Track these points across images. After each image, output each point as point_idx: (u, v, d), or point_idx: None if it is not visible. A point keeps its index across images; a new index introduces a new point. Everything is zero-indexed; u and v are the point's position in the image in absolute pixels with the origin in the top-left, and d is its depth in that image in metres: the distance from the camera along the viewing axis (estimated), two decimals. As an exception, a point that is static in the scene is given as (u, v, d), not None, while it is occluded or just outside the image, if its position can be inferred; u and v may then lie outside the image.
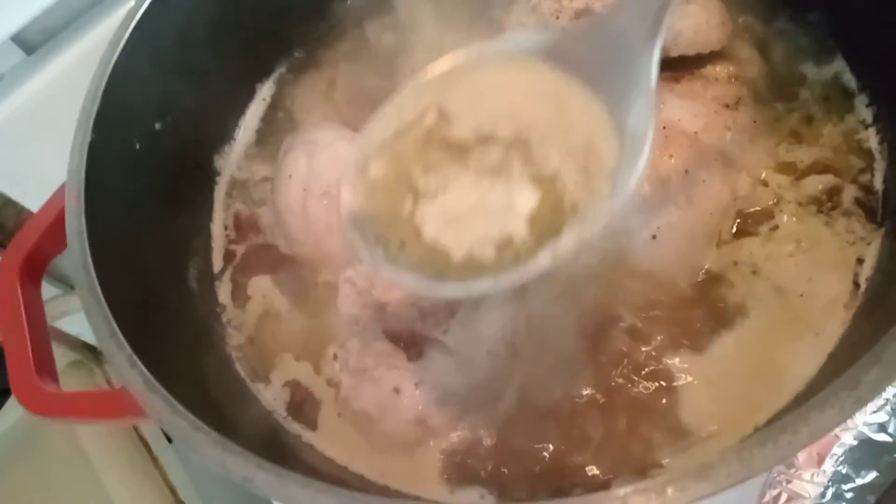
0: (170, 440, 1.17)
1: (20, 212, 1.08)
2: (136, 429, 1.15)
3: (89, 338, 1.19)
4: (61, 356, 1.22)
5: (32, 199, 0.76)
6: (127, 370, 0.42)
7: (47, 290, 1.13)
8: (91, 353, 1.23)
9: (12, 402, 1.10)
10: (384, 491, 0.48)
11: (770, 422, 0.45)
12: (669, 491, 0.32)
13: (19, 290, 0.50)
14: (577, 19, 0.56)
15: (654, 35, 0.40)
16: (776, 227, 0.53)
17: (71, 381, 1.21)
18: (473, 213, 0.39)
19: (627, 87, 0.40)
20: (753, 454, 0.32)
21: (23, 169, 0.73)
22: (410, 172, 0.40)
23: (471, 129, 0.41)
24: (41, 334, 0.49)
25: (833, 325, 0.48)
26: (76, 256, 0.47)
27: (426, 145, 0.41)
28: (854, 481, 0.58)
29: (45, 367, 0.47)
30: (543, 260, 0.38)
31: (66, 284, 1.13)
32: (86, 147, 0.52)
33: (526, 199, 0.38)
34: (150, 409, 0.40)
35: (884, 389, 0.33)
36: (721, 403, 0.48)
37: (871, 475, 0.58)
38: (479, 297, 0.48)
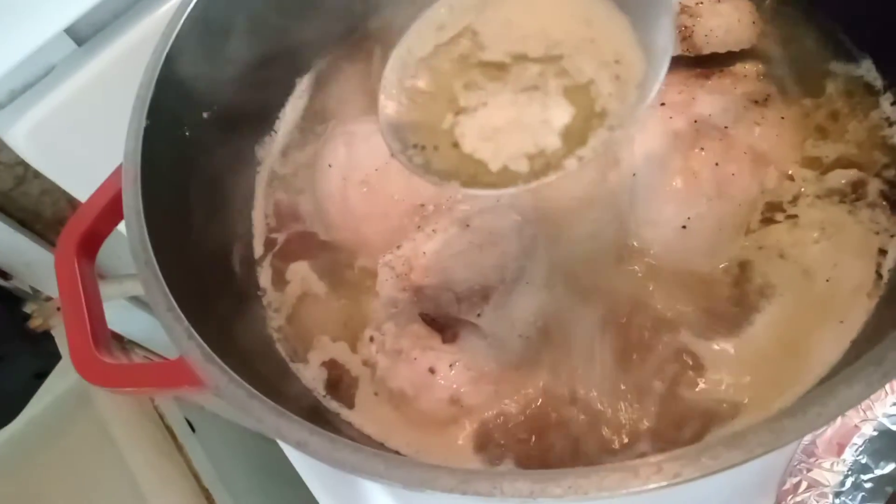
0: (193, 429, 1.20)
1: (57, 201, 1.11)
2: (161, 417, 1.18)
3: (118, 326, 1.23)
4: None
5: (79, 186, 0.79)
6: (185, 342, 0.44)
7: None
8: (119, 342, 1.27)
9: (42, 390, 1.13)
10: (421, 465, 0.50)
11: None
12: (703, 459, 0.34)
13: (76, 266, 0.52)
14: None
15: None
16: (802, 216, 0.54)
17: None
18: (510, 128, 0.41)
19: (650, 2, 0.42)
20: (784, 424, 0.34)
21: (71, 157, 0.76)
22: (452, 88, 0.43)
23: (504, 52, 0.43)
24: (97, 309, 0.51)
25: (857, 313, 0.49)
26: (134, 234, 0.49)
27: (464, 66, 0.44)
28: (873, 472, 0.60)
29: (102, 339, 0.49)
30: (571, 164, 0.40)
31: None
32: (141, 132, 0.54)
33: (561, 115, 0.41)
34: (209, 379, 0.43)
35: (909, 366, 0.35)
36: (748, 385, 0.50)
37: (891, 466, 0.60)
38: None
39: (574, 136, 0.41)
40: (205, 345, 0.44)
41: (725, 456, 0.34)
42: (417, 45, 0.46)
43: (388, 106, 0.44)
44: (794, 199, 0.55)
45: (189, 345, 0.44)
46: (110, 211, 0.55)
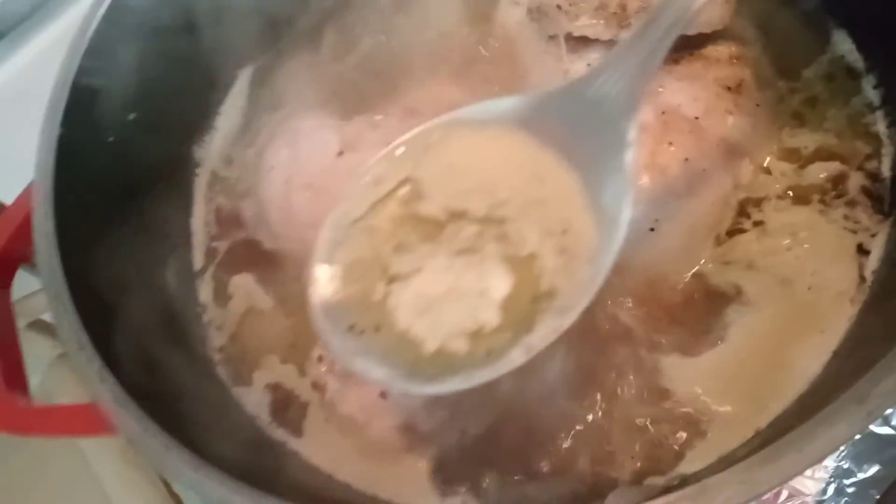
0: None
1: None
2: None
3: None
4: (50, 348, 1.21)
5: (5, 191, 0.73)
6: (97, 385, 0.40)
7: (31, 283, 1.11)
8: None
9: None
10: (372, 501, 0.46)
11: (772, 424, 0.44)
12: (668, 513, 0.30)
13: (-13, 297, 0.47)
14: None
15: (631, 106, 0.38)
16: (769, 222, 0.50)
17: (58, 373, 1.20)
18: (446, 299, 0.37)
19: (602, 160, 0.38)
20: (754, 475, 0.30)
21: (-5, 161, 0.70)
22: (382, 253, 0.39)
23: (443, 206, 0.39)
24: (11, 345, 0.47)
25: (839, 321, 0.46)
26: (43, 261, 0.45)
27: (399, 222, 0.40)
28: (856, 476, 0.57)
29: (16, 380, 0.45)
30: (517, 356, 0.36)
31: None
32: (54, 142, 0.50)
33: (500, 284, 0.37)
34: (121, 427, 0.38)
35: (895, 403, 0.31)
36: (722, 404, 0.46)
37: (874, 469, 0.57)
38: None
39: (520, 320, 0.36)
40: (118, 387, 0.40)
41: (692, 512, 0.30)
42: (354, 206, 0.42)
43: (322, 281, 0.40)
44: (759, 203, 0.51)
45: (100, 388, 0.40)
46: (23, 233, 0.49)
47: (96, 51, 0.55)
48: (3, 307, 0.48)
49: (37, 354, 1.12)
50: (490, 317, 0.36)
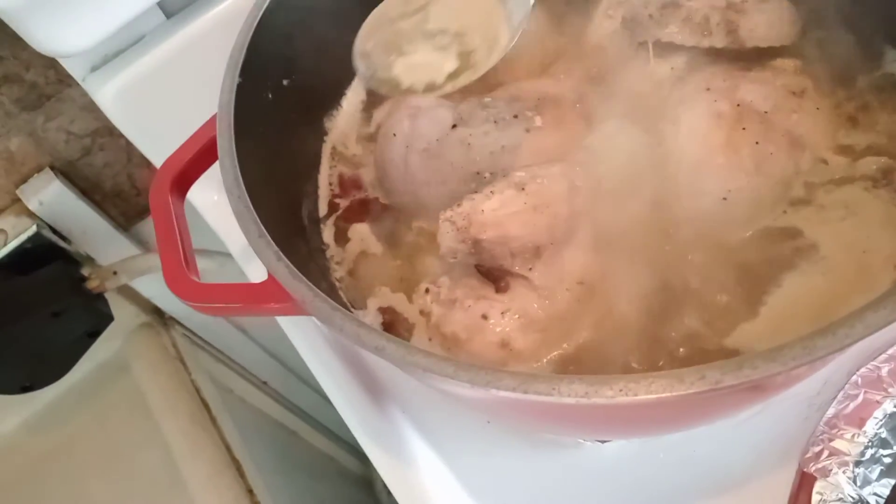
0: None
1: (117, 174, 1.18)
2: (197, 390, 1.23)
3: (160, 301, 1.29)
4: (134, 316, 1.31)
5: (157, 151, 0.85)
6: (274, 263, 0.49)
7: (128, 248, 1.22)
8: (160, 317, 1.32)
9: (84, 359, 1.19)
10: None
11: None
12: (744, 369, 0.38)
13: (170, 199, 0.58)
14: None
15: None
16: (824, 200, 0.59)
17: (140, 340, 1.29)
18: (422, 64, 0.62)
19: None
20: (815, 342, 0.38)
21: (151, 121, 0.82)
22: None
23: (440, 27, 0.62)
24: (186, 238, 0.57)
25: (883, 282, 0.54)
26: (228, 173, 0.55)
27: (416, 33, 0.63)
28: (892, 447, 0.63)
29: (192, 264, 0.55)
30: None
31: (143, 247, 1.23)
32: (234, 87, 0.60)
33: (450, 66, 0.62)
34: (296, 294, 0.48)
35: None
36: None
37: (910, 445, 0.63)
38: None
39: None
40: (291, 265, 0.49)
41: (763, 367, 0.38)
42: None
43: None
44: (830, 181, 0.59)
45: (278, 265, 0.49)
46: (202, 156, 0.60)
47: (266, 24, 0.66)
48: (181, 209, 0.58)
49: (120, 320, 1.22)
50: (439, 78, 0.63)
